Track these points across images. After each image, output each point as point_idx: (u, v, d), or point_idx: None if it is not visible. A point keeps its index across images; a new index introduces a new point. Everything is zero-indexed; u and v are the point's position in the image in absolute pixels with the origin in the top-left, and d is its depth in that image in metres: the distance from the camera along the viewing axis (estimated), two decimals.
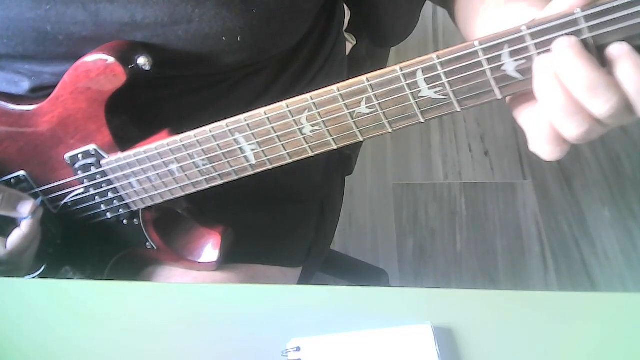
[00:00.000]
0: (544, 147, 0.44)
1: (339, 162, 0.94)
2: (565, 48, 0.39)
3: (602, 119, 0.40)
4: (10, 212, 0.63)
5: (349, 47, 0.85)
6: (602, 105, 0.39)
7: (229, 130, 0.53)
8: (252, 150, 0.54)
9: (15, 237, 0.63)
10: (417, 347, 0.49)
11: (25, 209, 0.63)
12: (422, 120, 0.47)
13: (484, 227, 1.59)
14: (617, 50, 0.39)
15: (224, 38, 0.56)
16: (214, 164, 0.57)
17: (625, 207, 1.59)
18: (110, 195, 0.64)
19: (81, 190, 0.64)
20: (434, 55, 0.43)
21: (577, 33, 0.39)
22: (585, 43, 0.39)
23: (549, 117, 0.42)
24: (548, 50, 0.40)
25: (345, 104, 0.48)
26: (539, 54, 0.41)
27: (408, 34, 0.74)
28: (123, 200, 0.64)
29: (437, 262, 1.53)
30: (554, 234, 1.56)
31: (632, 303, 0.53)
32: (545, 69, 0.41)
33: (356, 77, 0.47)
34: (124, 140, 0.60)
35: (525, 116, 0.45)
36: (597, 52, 0.39)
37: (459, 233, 1.58)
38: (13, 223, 0.64)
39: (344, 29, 0.81)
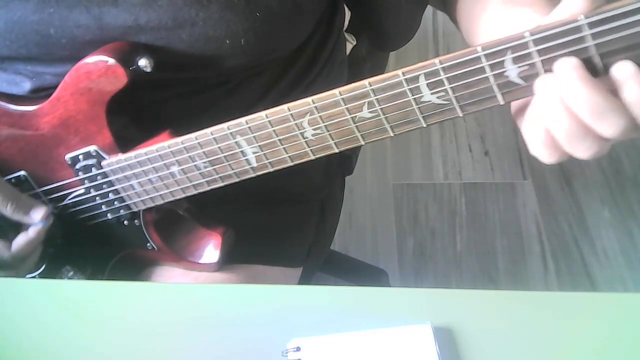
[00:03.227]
0: (541, 151, 0.44)
1: (339, 163, 0.95)
2: (568, 72, 0.39)
3: (611, 139, 0.40)
4: (23, 217, 0.63)
5: (349, 47, 0.85)
6: (608, 128, 0.39)
7: (231, 133, 0.54)
8: (254, 153, 0.54)
9: (22, 241, 0.63)
10: (417, 347, 0.49)
11: (37, 215, 0.63)
12: (424, 125, 0.47)
13: (484, 227, 1.59)
14: (623, 73, 0.38)
15: (227, 41, 0.56)
16: (215, 167, 0.57)
17: (625, 207, 1.59)
18: (111, 196, 0.64)
19: (82, 191, 0.65)
20: (436, 61, 0.43)
21: (580, 40, 0.39)
22: (588, 55, 0.39)
23: (560, 141, 0.42)
24: (551, 58, 0.40)
25: (347, 108, 0.48)
26: (542, 61, 0.41)
27: (409, 38, 0.74)
28: (124, 201, 0.64)
29: (437, 262, 1.53)
30: (554, 234, 1.56)
31: (632, 303, 0.53)
32: (550, 94, 0.40)
33: (358, 79, 0.47)
34: (124, 141, 0.60)
35: (523, 120, 0.45)
36: (600, 59, 0.39)
37: (459, 233, 1.58)
38: (17, 226, 0.64)
39: (344, 29, 0.81)
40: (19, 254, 0.63)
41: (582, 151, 0.41)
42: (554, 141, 0.42)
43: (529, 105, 0.44)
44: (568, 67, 0.39)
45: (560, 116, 0.40)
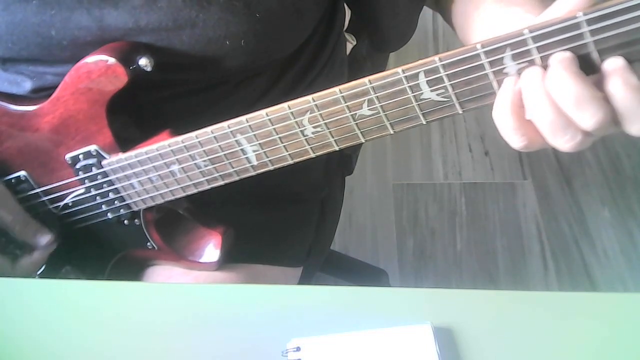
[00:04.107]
0: (511, 137, 0.44)
1: (339, 162, 0.95)
2: (555, 63, 0.40)
3: (591, 131, 0.41)
4: (28, 239, 0.65)
5: (349, 47, 0.85)
6: (588, 119, 0.39)
7: (231, 131, 0.54)
8: (254, 151, 0.54)
9: (26, 264, 0.65)
10: (417, 347, 0.49)
11: (43, 240, 0.65)
12: (424, 122, 0.47)
13: (484, 227, 1.59)
14: (611, 65, 0.39)
15: (227, 42, 0.56)
16: (215, 165, 0.57)
17: (625, 207, 1.59)
18: (111, 195, 0.64)
19: (82, 191, 0.65)
20: (436, 58, 0.43)
21: (578, 37, 0.39)
22: (587, 51, 0.39)
23: (543, 133, 0.42)
24: (550, 55, 0.40)
25: (347, 105, 0.48)
26: (541, 57, 0.41)
27: (407, 39, 0.74)
28: (124, 200, 0.64)
29: (437, 262, 1.53)
30: (554, 234, 1.56)
31: (632, 303, 0.53)
32: (536, 85, 0.41)
33: (357, 78, 0.47)
34: (125, 140, 0.60)
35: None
36: (598, 55, 0.39)
37: (459, 233, 1.58)
38: (23, 245, 0.65)
39: (344, 29, 0.81)
40: (23, 273, 0.65)
41: (563, 143, 0.42)
42: (523, 127, 0.43)
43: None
44: (555, 59, 0.40)
45: (545, 107, 0.41)
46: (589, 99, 0.39)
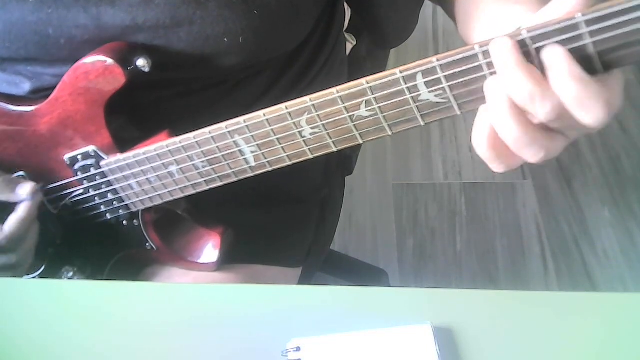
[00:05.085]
0: (487, 155, 0.44)
1: (338, 162, 0.95)
2: (503, 57, 0.40)
3: (546, 122, 0.40)
4: (9, 195, 0.61)
5: (349, 47, 0.85)
6: (539, 112, 0.39)
7: (229, 132, 0.53)
8: (252, 152, 0.54)
9: (13, 220, 0.60)
10: (417, 347, 0.49)
11: (24, 190, 0.61)
12: (422, 124, 0.47)
13: (484, 227, 1.59)
14: (550, 55, 0.39)
15: (225, 40, 0.56)
16: (213, 166, 0.57)
17: (625, 207, 1.59)
18: (110, 196, 0.64)
19: (81, 191, 0.65)
20: (433, 59, 0.43)
21: (578, 38, 0.39)
22: (586, 53, 0.39)
23: (509, 144, 0.42)
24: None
25: (345, 107, 0.48)
26: (540, 58, 0.41)
27: (408, 35, 0.74)
28: (123, 201, 0.64)
29: (437, 262, 1.53)
30: (554, 234, 1.56)
31: (632, 303, 0.53)
32: (498, 93, 0.41)
33: (356, 79, 0.47)
34: (123, 141, 0.60)
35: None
36: (598, 57, 0.39)
37: (459, 233, 1.58)
38: (9, 210, 0.62)
39: (344, 29, 0.81)
40: (13, 235, 0.60)
41: (530, 156, 0.42)
42: (497, 144, 0.42)
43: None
44: (503, 51, 0.40)
45: (505, 117, 0.40)
46: (538, 93, 0.39)
